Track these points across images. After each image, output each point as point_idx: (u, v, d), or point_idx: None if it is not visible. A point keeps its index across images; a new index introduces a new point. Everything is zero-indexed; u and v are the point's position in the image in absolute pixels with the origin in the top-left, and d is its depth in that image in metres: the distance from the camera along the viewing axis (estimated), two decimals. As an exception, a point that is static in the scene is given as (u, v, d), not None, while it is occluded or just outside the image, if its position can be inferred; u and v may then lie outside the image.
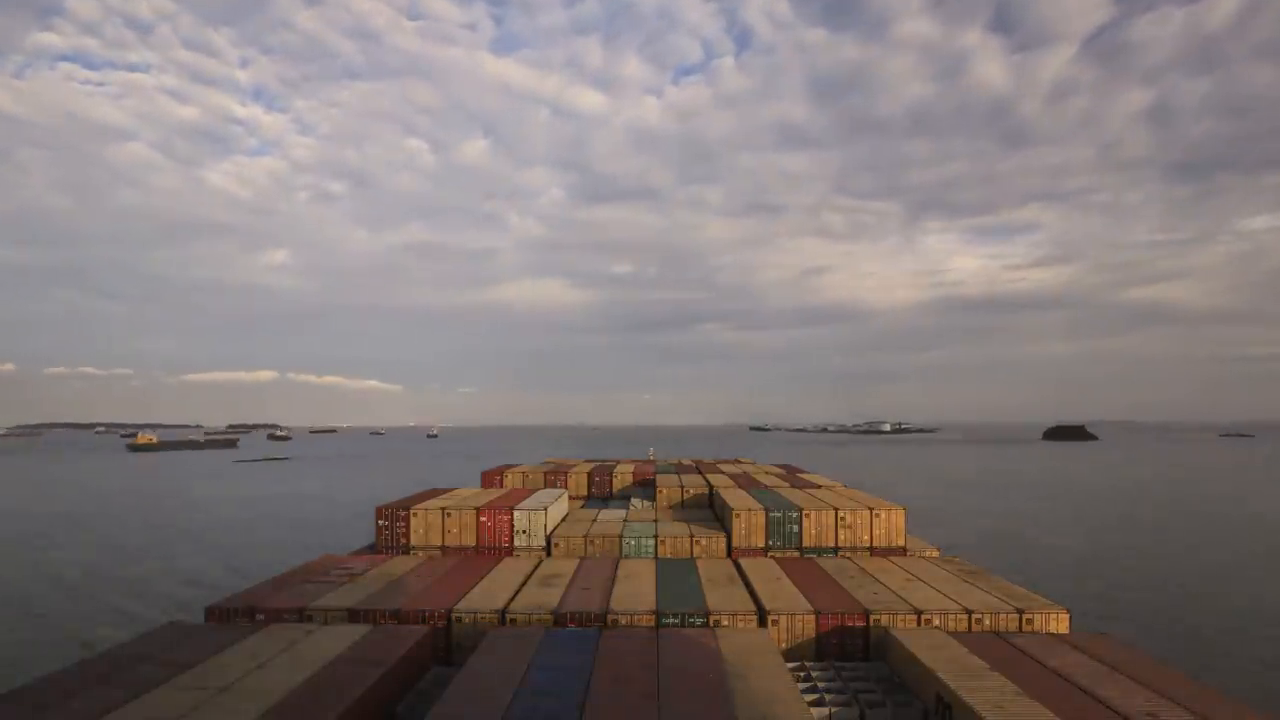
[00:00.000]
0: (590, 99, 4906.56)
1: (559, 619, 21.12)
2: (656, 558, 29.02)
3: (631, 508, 38.59)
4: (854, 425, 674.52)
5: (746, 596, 23.09)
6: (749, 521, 29.86)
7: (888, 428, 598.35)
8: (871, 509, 30.11)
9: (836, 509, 30.05)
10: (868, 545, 29.57)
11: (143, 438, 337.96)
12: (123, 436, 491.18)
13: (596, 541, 29.94)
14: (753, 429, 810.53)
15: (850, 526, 29.72)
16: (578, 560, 28.42)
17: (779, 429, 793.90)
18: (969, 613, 21.30)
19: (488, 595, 23.17)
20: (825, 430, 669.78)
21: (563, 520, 34.44)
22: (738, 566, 27.09)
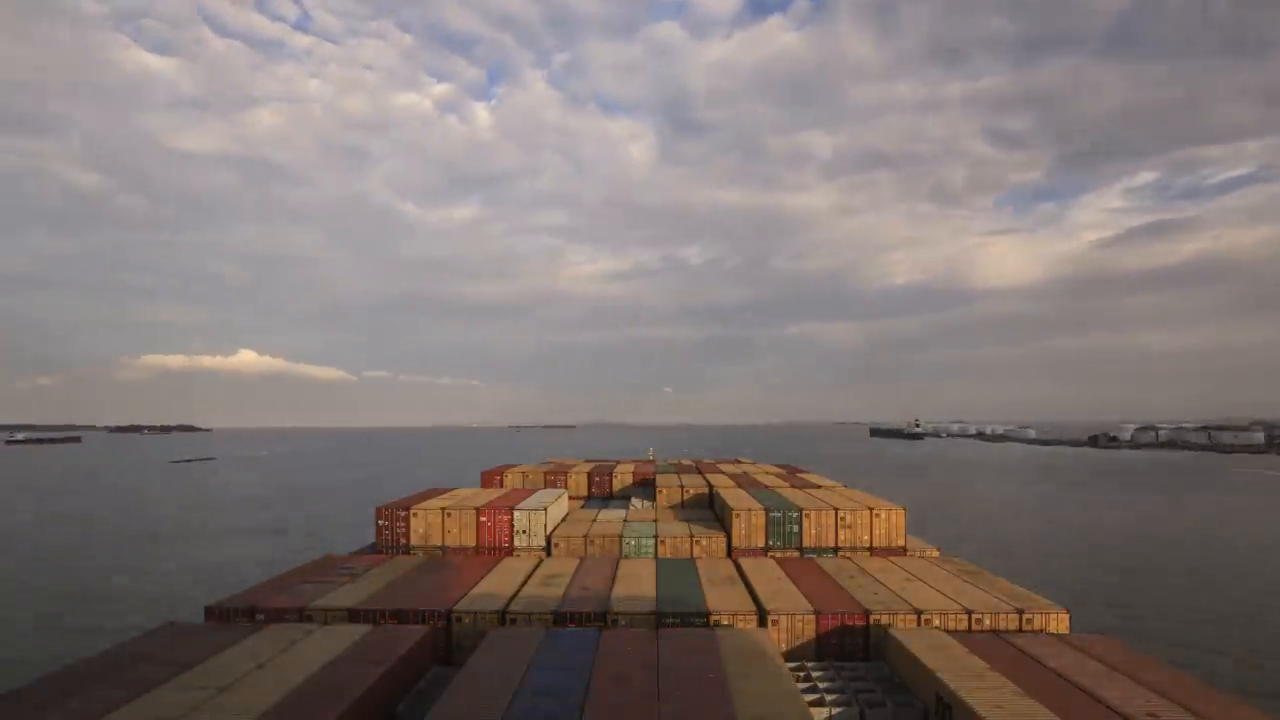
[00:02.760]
0: (716, 4, 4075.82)
1: (559, 619, 21.14)
2: (656, 558, 29.02)
3: (631, 508, 38.58)
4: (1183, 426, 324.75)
5: (746, 596, 23.09)
6: (749, 521, 29.86)
7: None
8: (871, 509, 30.11)
9: (836, 509, 30.05)
10: (868, 545, 29.57)
11: None
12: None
13: (596, 541, 29.94)
14: (879, 433, 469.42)
15: (850, 526, 29.72)
16: (578, 560, 28.42)
17: (944, 434, 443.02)
18: (969, 613, 21.31)
19: (488, 595, 23.17)
20: (1112, 440, 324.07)
21: (563, 520, 34.44)
22: (738, 566, 27.09)
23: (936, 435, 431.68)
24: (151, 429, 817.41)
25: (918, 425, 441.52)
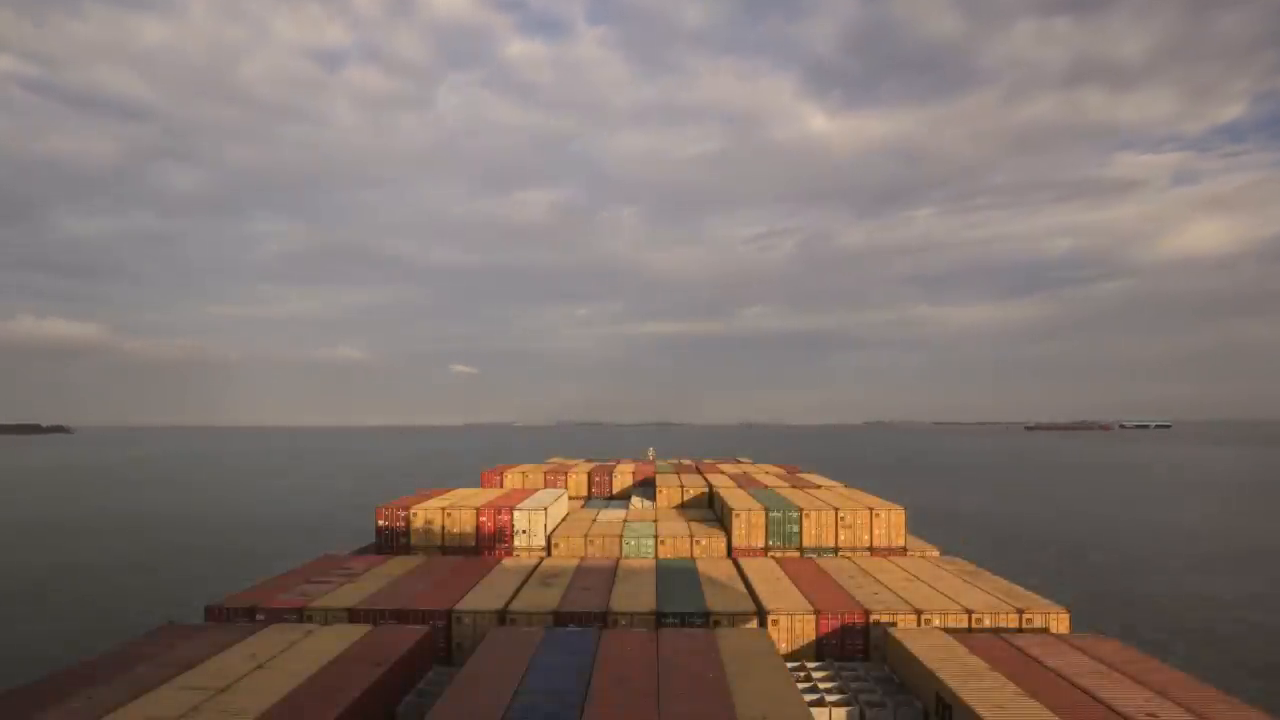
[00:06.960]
0: None
1: (559, 619, 21.16)
2: (656, 558, 29.03)
3: (631, 508, 38.58)
4: None
5: (746, 596, 23.12)
6: (749, 521, 29.87)
7: None
8: (871, 509, 30.13)
9: (836, 509, 30.06)
10: (868, 545, 29.58)
11: None
12: None
13: (596, 541, 29.95)
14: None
15: (850, 526, 29.73)
16: (578, 560, 28.45)
17: None
18: (969, 613, 21.31)
19: (488, 595, 23.19)
20: None
21: (563, 520, 34.45)
22: (738, 566, 27.11)
23: None
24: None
25: None
